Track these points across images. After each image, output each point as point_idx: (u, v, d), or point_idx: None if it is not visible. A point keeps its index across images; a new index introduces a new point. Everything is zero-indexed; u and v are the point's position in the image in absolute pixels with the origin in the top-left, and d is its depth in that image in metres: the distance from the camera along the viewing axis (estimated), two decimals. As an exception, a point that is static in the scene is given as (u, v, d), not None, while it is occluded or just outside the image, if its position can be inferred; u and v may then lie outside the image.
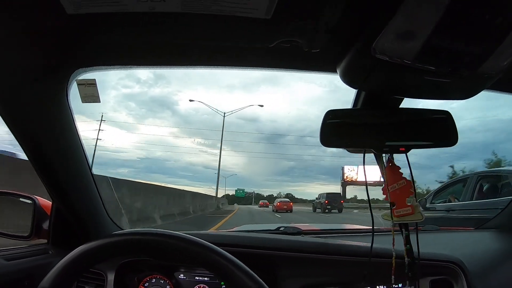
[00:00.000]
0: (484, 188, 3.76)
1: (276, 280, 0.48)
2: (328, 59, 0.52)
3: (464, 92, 0.51)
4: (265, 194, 59.47)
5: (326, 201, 18.52)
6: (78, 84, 0.63)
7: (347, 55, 0.48)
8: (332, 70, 0.53)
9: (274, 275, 0.48)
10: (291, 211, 18.39)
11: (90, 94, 0.65)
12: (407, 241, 0.55)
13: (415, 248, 0.66)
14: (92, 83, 0.64)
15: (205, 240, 0.49)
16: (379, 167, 0.58)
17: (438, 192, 4.63)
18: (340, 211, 18.04)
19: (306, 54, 0.53)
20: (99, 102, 0.66)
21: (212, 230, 0.71)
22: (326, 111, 0.56)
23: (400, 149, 0.56)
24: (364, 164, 0.58)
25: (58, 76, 0.60)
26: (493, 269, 0.69)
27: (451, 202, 4.21)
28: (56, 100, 0.64)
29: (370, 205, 0.60)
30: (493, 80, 0.47)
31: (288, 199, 23.48)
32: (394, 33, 0.40)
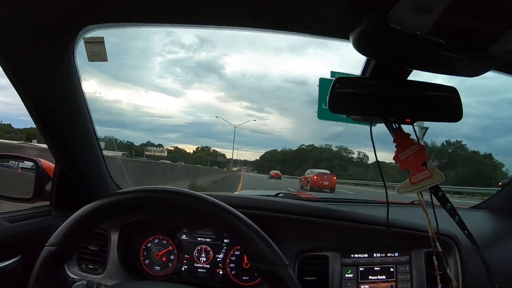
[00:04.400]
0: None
1: (278, 244, 0.49)
2: (342, 25, 0.51)
3: (472, 70, 0.53)
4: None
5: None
6: (85, 42, 0.62)
7: (361, 23, 0.48)
8: (345, 36, 0.53)
9: (275, 239, 0.50)
10: (333, 191, 10.89)
11: (98, 52, 0.64)
12: (453, 213, 0.58)
13: (413, 220, 0.68)
14: (100, 41, 0.62)
15: None
16: (392, 136, 0.59)
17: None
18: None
19: (320, 19, 0.53)
20: (106, 60, 0.65)
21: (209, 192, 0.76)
22: (335, 78, 0.57)
23: (406, 120, 0.56)
24: (371, 134, 0.59)
25: (65, 34, 0.59)
26: (485, 248, 0.71)
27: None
28: (63, 58, 0.63)
29: (382, 175, 0.62)
30: (502, 61, 0.47)
31: (329, 171, 14.52)
32: (411, 4, 0.40)
